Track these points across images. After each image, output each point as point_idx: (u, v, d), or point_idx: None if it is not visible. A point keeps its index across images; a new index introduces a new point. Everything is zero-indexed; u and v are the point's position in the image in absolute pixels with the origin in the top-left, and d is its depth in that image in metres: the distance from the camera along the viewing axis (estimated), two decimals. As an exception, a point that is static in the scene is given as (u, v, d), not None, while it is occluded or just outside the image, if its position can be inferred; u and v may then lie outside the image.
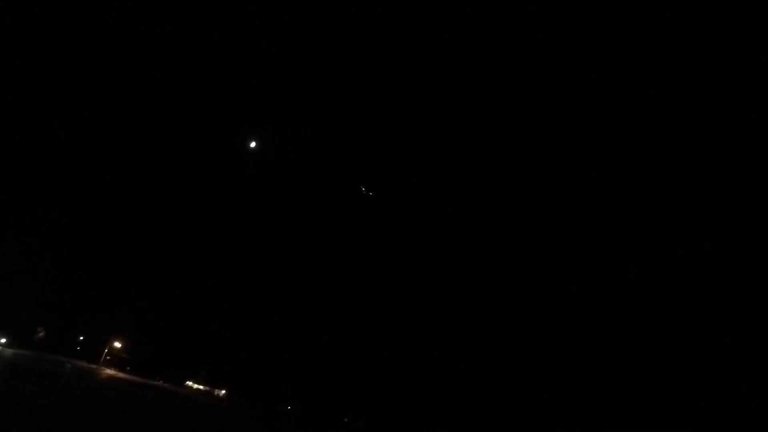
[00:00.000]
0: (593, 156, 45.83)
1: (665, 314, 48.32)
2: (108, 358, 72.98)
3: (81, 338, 74.30)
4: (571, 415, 53.55)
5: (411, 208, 61.75)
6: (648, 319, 49.40)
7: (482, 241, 60.08)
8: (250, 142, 56.33)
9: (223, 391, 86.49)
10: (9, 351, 46.56)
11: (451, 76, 44.43)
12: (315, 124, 54.60)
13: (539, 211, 52.65)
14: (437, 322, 66.23)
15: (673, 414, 46.40)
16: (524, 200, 53.01)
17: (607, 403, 51.53)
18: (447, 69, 43.81)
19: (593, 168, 46.54)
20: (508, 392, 59.62)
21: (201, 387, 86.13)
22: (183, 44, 45.50)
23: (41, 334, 64.67)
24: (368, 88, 48.28)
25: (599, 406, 52.25)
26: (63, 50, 43.67)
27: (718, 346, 44.65)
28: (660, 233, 46.49)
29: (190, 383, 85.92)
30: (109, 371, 63.66)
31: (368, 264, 70.22)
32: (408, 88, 46.77)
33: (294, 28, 43.22)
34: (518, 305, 59.93)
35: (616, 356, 51.85)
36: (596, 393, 52.90)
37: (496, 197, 54.78)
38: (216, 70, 48.52)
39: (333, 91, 49.18)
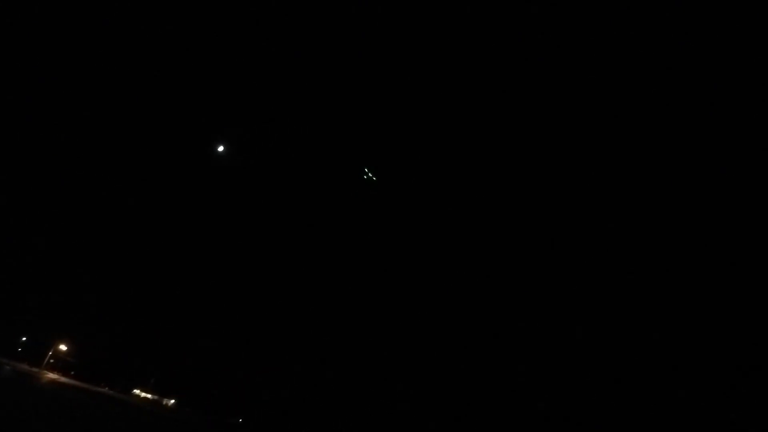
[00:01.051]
0: (593, 156, 46.15)
1: (665, 314, 48.80)
2: (51, 361, 70.05)
3: (23, 339, 71.22)
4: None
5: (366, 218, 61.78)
6: (648, 318, 49.77)
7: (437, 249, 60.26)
8: (218, 145, 55.76)
9: (172, 401, 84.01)
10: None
11: (429, 69, 44.60)
12: (282, 127, 54.31)
13: (533, 205, 52.50)
14: (394, 337, 66.15)
15: (673, 414, 46.70)
16: (518, 195, 52.84)
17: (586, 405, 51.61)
18: (424, 63, 44.03)
19: (593, 168, 46.82)
20: (466, 408, 59.75)
21: (149, 396, 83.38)
22: (154, 49, 44.98)
23: (-21, 334, 61.50)
24: (343, 88, 48.30)
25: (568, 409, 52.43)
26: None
27: (717, 346, 45.27)
28: (659, 233, 47.06)
29: (137, 391, 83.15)
30: (52, 375, 61.27)
31: (324, 276, 69.74)
32: (391, 84, 46.75)
33: (265, 30, 43.20)
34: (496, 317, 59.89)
35: (608, 356, 51.91)
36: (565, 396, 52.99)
37: (487, 193, 54.46)
38: (185, 73, 48.02)
39: (301, 92, 49.11)
